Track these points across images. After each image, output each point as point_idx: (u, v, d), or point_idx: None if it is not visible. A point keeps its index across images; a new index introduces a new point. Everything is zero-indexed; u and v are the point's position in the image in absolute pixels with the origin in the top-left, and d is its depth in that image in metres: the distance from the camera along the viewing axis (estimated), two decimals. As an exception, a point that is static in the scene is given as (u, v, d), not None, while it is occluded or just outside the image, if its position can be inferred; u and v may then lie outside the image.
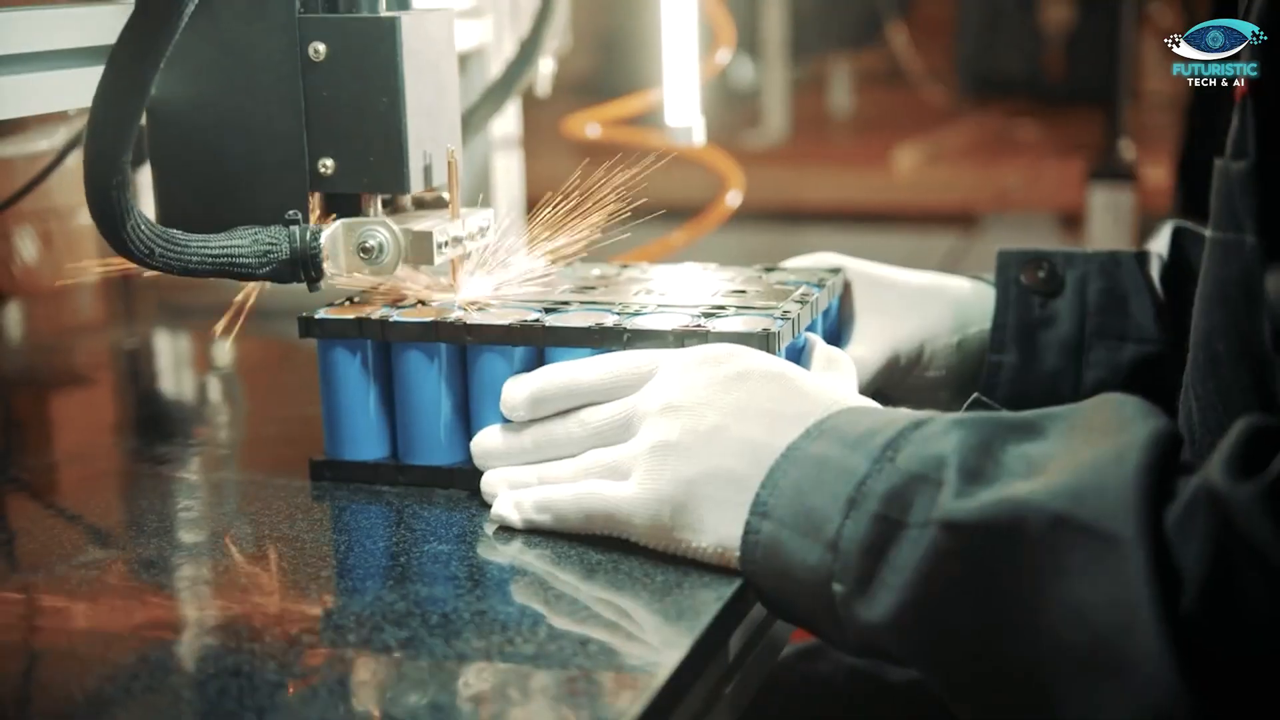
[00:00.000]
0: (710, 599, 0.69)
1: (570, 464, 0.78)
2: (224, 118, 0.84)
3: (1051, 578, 0.60)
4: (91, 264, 0.94)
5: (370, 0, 0.83)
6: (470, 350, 0.84)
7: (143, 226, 0.77)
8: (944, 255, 2.27)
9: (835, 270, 0.95)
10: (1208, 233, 0.71)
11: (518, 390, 0.80)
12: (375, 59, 0.82)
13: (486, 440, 0.82)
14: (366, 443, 0.87)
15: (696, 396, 0.73)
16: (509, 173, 1.42)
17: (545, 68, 1.37)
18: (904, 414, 0.70)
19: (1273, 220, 0.65)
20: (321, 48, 0.82)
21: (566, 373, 0.79)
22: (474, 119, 1.21)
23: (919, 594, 0.64)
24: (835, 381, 0.82)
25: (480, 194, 1.37)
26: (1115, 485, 0.59)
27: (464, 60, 1.35)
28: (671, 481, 0.72)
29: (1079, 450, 0.62)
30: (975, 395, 0.78)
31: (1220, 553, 0.57)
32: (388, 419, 0.87)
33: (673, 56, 1.29)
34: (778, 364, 0.76)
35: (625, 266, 0.98)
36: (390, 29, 0.82)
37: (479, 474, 0.83)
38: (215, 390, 1.20)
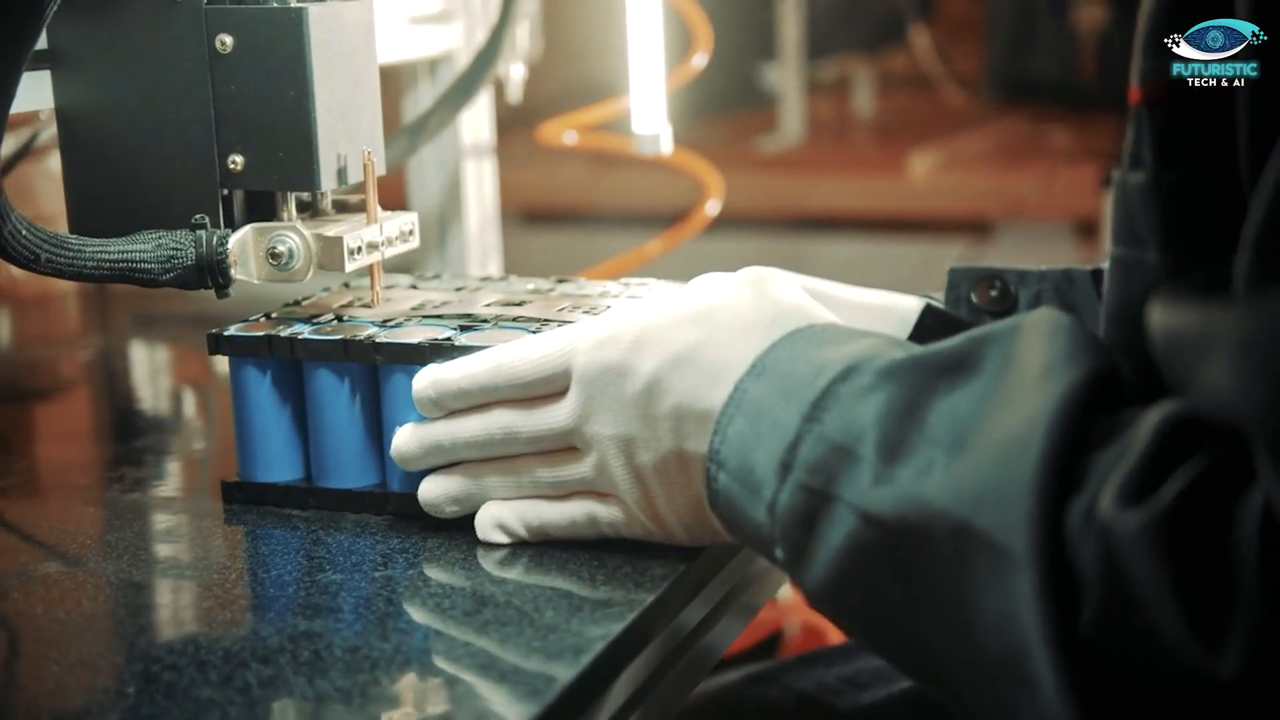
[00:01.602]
0: (596, 637, 0.65)
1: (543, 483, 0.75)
2: (134, 117, 0.81)
3: (959, 585, 0.58)
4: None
5: (280, -11, 0.80)
6: (381, 369, 0.81)
7: (24, 231, 0.74)
8: (954, 263, 2.23)
9: None
10: (1109, 249, 0.67)
11: (428, 385, 0.77)
12: (282, 51, 0.80)
13: (403, 443, 0.78)
14: (279, 464, 0.83)
15: (636, 429, 0.71)
16: (481, 181, 1.38)
17: (516, 74, 1.34)
18: (837, 357, 0.66)
19: (1176, 236, 0.61)
20: (229, 40, 0.80)
21: (492, 369, 0.75)
22: (430, 124, 1.18)
23: (844, 575, 0.62)
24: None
25: (450, 204, 1.35)
26: (1014, 485, 0.56)
27: (432, 66, 1.32)
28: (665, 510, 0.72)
29: (1002, 416, 0.59)
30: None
31: (1106, 584, 0.53)
32: (301, 440, 0.84)
33: (639, 62, 1.26)
34: (675, 349, 0.71)
35: (561, 281, 0.95)
36: (297, 20, 0.79)
37: (390, 498, 0.80)
38: (161, 405, 1.17)
